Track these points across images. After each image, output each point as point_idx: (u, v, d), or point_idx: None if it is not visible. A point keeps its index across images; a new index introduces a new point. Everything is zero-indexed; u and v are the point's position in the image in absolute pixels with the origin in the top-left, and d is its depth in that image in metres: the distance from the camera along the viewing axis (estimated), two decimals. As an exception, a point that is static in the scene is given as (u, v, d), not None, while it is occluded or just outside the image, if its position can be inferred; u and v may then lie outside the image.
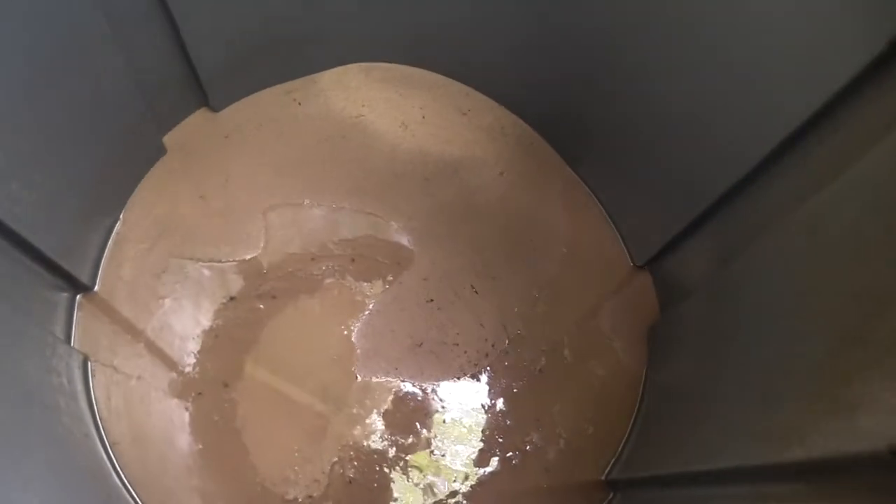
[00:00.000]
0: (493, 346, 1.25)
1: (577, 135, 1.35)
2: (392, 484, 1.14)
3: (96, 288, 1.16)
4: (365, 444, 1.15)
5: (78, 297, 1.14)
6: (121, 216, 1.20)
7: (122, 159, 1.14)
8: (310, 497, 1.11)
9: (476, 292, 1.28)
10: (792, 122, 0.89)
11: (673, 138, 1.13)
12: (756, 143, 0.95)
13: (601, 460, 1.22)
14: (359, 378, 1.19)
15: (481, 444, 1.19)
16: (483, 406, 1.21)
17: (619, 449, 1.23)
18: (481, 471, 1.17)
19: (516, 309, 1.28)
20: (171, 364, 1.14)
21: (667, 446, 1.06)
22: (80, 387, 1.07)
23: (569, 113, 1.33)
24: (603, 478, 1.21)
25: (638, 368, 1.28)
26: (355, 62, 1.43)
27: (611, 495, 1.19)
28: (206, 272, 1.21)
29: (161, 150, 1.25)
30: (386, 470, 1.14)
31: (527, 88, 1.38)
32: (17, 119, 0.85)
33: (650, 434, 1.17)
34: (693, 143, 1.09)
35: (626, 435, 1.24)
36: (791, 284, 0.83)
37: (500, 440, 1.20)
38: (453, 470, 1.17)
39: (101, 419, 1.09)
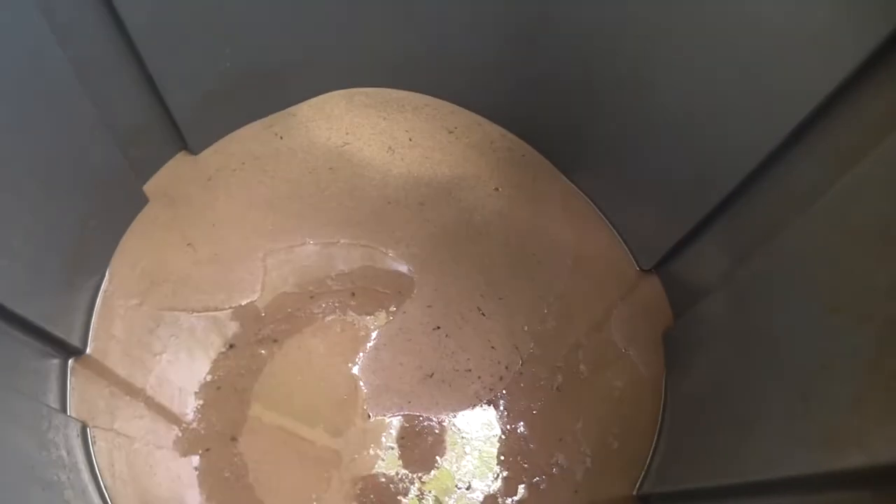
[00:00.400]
0: (506, 368, 1.20)
1: (571, 142, 1.32)
2: (417, 524, 1.09)
3: (88, 350, 1.10)
4: (384, 484, 1.10)
5: (70, 361, 1.08)
6: (107, 272, 1.15)
7: (103, 213, 1.09)
8: (333, 547, 1.05)
9: (483, 314, 1.24)
10: (800, 111, 0.86)
11: (672, 138, 1.09)
12: (763, 136, 0.93)
13: (630, 475, 1.17)
14: (371, 416, 1.14)
15: (506, 472, 1.14)
16: (503, 431, 1.17)
17: (648, 462, 1.18)
18: (509, 500, 1.12)
19: (526, 327, 1.24)
20: (174, 420, 1.09)
21: (700, 457, 1.01)
22: (80, 457, 1.02)
23: (560, 121, 1.30)
24: (634, 493, 1.16)
25: (657, 376, 1.24)
26: (336, 89, 1.40)
27: (643, 511, 1.15)
28: (202, 322, 1.15)
29: (143, 200, 1.21)
30: (410, 510, 1.09)
31: (514, 101, 1.35)
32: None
33: (679, 445, 1.12)
34: (695, 141, 1.05)
35: (653, 447, 1.20)
36: (822, 278, 0.79)
37: (525, 465, 1.15)
38: (480, 502, 1.11)
39: (106, 488, 1.03)
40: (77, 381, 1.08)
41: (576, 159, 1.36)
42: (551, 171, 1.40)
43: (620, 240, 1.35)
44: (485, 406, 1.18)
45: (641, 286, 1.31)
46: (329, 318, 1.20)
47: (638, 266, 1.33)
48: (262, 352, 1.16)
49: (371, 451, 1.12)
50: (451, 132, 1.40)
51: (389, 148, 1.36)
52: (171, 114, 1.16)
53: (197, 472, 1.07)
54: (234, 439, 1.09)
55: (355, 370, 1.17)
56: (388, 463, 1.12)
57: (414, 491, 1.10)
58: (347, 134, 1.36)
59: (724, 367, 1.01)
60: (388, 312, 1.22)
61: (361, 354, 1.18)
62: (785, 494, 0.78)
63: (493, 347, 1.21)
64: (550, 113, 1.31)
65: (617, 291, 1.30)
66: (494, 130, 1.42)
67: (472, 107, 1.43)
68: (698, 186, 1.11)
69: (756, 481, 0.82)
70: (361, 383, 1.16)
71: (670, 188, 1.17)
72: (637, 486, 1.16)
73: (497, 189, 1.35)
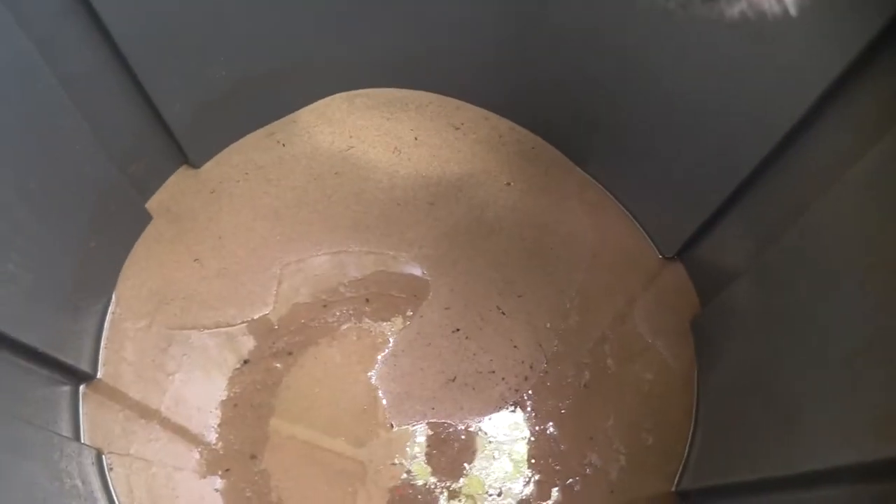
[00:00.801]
0: (531, 367, 1.16)
1: (583, 132, 1.28)
2: (449, 535, 1.05)
3: (99, 374, 1.07)
4: (412, 495, 1.06)
5: (81, 387, 1.05)
6: (113, 294, 1.12)
7: (105, 233, 1.06)
8: (363, 564, 1.02)
9: (503, 313, 1.19)
10: (821, 83, 0.82)
11: (687, 122, 1.05)
12: (782, 112, 0.89)
13: (668, 471, 1.13)
14: (394, 426, 1.10)
15: (537, 475, 1.10)
16: (532, 433, 1.12)
17: (685, 456, 1.14)
18: (542, 504, 1.08)
19: (548, 324, 1.20)
20: (192, 441, 1.06)
21: (740, 449, 0.96)
22: (96, 485, 0.98)
23: (570, 111, 1.26)
24: (673, 489, 1.11)
25: (688, 366, 1.19)
26: (336, 92, 1.36)
27: (684, 507, 1.10)
28: (214, 339, 1.12)
29: (146, 217, 1.18)
30: (440, 521, 1.05)
31: (521, 93, 1.31)
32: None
33: (717, 437, 1.07)
34: (710, 123, 1.01)
35: (689, 440, 1.15)
36: (857, 252, 0.74)
37: (557, 467, 1.10)
38: (512, 509, 1.07)
39: (125, 516, 1.00)
40: (89, 407, 1.05)
41: (589, 149, 1.32)
42: (564, 162, 1.35)
43: (640, 228, 1.30)
44: (511, 408, 1.13)
45: (665, 274, 1.27)
46: (344, 327, 1.16)
47: (660, 254, 1.28)
48: (278, 365, 1.12)
49: (396, 462, 1.08)
50: (457, 128, 1.36)
51: (395, 148, 1.32)
52: (169, 127, 1.13)
53: (219, 493, 1.03)
54: (253, 457, 1.06)
55: (374, 379, 1.13)
56: (414, 473, 1.08)
57: (443, 500, 1.06)
58: (351, 137, 1.32)
59: (760, 354, 0.96)
60: (404, 317, 1.18)
61: (380, 362, 1.14)
62: (834, 485, 0.73)
63: (515, 347, 1.17)
64: (560, 103, 1.27)
65: (640, 281, 1.26)
66: (502, 124, 1.38)
67: (479, 101, 1.39)
68: (717, 168, 1.06)
69: (802, 472, 0.78)
70: (381, 392, 1.12)
71: (688, 173, 1.12)
72: (675, 481, 1.12)
73: (509, 184, 1.31)
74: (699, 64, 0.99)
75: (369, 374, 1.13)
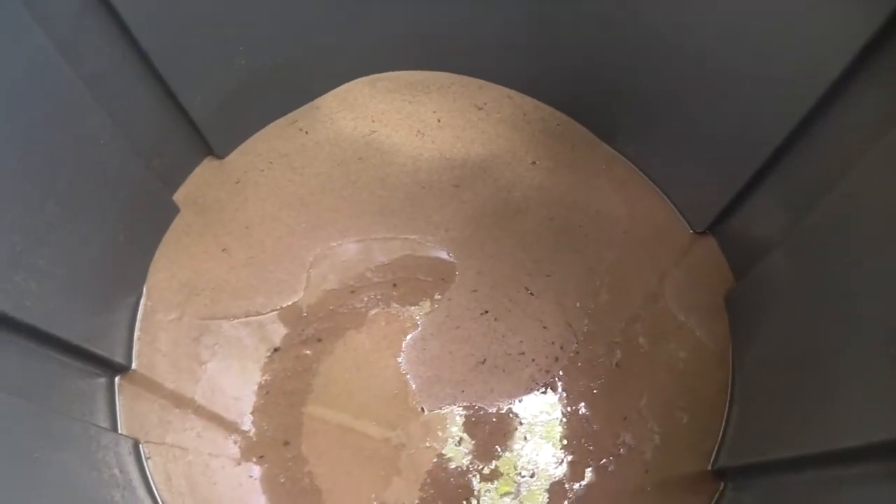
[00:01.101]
0: (561, 348, 1.15)
1: (608, 107, 1.25)
2: (483, 517, 1.05)
3: (134, 366, 1.09)
4: (445, 478, 1.06)
5: (116, 379, 1.07)
6: (144, 287, 1.14)
7: (134, 227, 1.07)
8: (398, 547, 1.02)
9: (532, 294, 1.18)
10: (855, 46, 0.78)
11: (715, 92, 1.02)
12: (815, 77, 0.85)
13: (703, 450, 1.11)
14: (425, 410, 1.10)
15: (571, 456, 1.09)
16: (564, 414, 1.11)
17: (721, 434, 1.12)
18: (577, 485, 1.07)
19: (578, 303, 1.18)
20: (227, 428, 1.07)
21: (778, 426, 0.94)
22: (135, 474, 1.00)
23: (594, 87, 1.23)
24: (709, 467, 1.10)
25: (722, 343, 1.17)
26: (357, 77, 1.35)
27: (721, 486, 1.08)
28: (245, 328, 1.13)
29: (174, 210, 1.19)
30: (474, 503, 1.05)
31: (544, 70, 1.29)
32: (4, 206, 0.78)
33: (754, 414, 1.05)
34: (739, 93, 0.98)
35: (725, 417, 1.13)
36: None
37: (591, 448, 1.09)
38: (547, 490, 1.07)
39: (163, 503, 1.02)
40: (125, 398, 1.07)
41: (616, 124, 1.29)
42: (590, 138, 1.33)
43: (670, 203, 1.27)
44: (542, 389, 1.12)
45: (697, 249, 1.24)
46: (373, 312, 1.16)
47: (691, 229, 1.25)
48: (308, 352, 1.13)
49: (428, 445, 1.08)
50: (480, 109, 1.34)
51: (418, 131, 1.31)
52: (192, 119, 1.14)
53: (255, 480, 1.05)
54: (287, 443, 1.07)
55: (404, 363, 1.13)
56: (447, 455, 1.08)
57: (476, 483, 1.06)
58: (373, 121, 1.31)
59: (797, 328, 0.94)
60: (432, 301, 1.17)
61: (409, 346, 1.14)
62: (872, 462, 0.71)
63: (545, 328, 1.16)
64: (585, 79, 1.25)
65: (672, 257, 1.23)
66: (526, 102, 1.36)
67: (502, 80, 1.37)
68: (748, 139, 1.03)
69: (842, 449, 0.76)
70: (411, 376, 1.12)
71: (718, 145, 1.09)
72: (711, 460, 1.10)
73: (534, 162, 1.29)
74: (727, 32, 0.96)
75: (399, 358, 1.13)
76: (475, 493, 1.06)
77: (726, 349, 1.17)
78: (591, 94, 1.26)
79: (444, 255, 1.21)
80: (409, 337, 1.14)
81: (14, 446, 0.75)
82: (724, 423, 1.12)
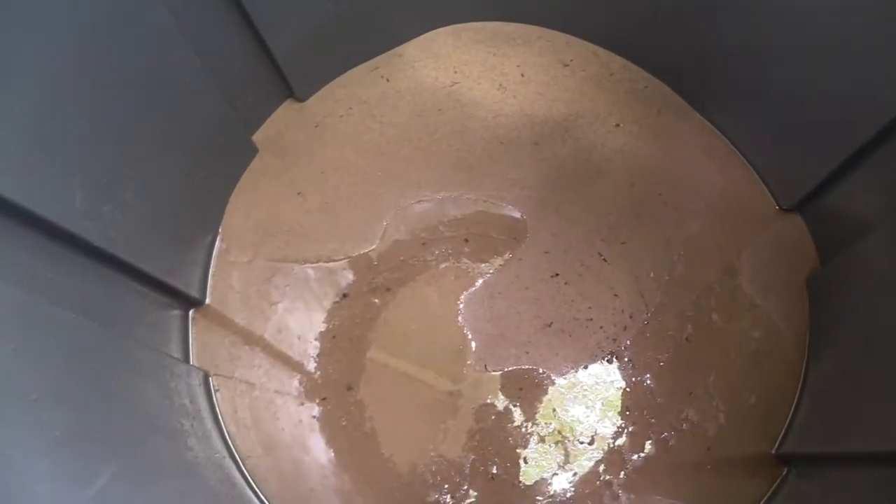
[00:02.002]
0: (630, 317, 1.13)
1: (701, 72, 1.20)
2: (538, 478, 1.05)
3: (207, 301, 1.12)
4: (502, 437, 1.07)
5: (191, 312, 1.10)
6: (221, 224, 1.16)
7: (213, 165, 1.08)
8: (453, 498, 1.03)
9: (605, 260, 1.16)
10: None
11: (819, 66, 0.96)
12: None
13: (769, 433, 1.08)
14: (487, 367, 1.10)
15: (632, 427, 1.07)
16: (628, 384, 1.10)
17: (789, 418, 1.09)
18: (635, 456, 1.06)
19: (652, 274, 1.15)
20: (293, 367, 1.10)
21: (853, 418, 0.91)
22: (203, 405, 1.04)
23: (688, 48, 1.18)
24: (773, 451, 1.07)
25: (800, 325, 1.13)
26: (442, 26, 1.32)
27: (784, 471, 1.05)
28: (316, 272, 1.14)
29: (252, 150, 1.20)
30: (531, 465, 1.05)
31: (635, 29, 1.24)
32: (95, 140, 0.80)
33: (827, 402, 1.01)
34: (846, 63, 0.92)
35: (795, 402, 1.09)
36: None
37: (652, 420, 1.08)
38: (604, 458, 1.06)
39: (229, 434, 1.06)
40: (198, 331, 1.10)
41: (707, 91, 1.23)
42: (678, 103, 1.28)
43: (757, 176, 1.22)
44: (608, 357, 1.11)
45: (781, 226, 1.19)
46: (443, 266, 1.16)
47: (777, 205, 1.20)
48: (376, 300, 1.13)
49: (489, 402, 1.08)
50: (566, 65, 1.30)
51: (500, 85, 1.28)
52: (276, 61, 1.13)
53: (316, 420, 1.07)
54: (350, 388, 1.09)
55: (470, 319, 1.12)
56: (505, 414, 1.08)
57: (533, 443, 1.06)
58: (456, 73, 1.29)
59: (884, 319, 0.89)
60: (503, 259, 1.16)
61: (476, 303, 1.13)
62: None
63: (616, 295, 1.14)
64: (678, 39, 1.19)
65: (754, 233, 1.18)
66: (614, 61, 1.31)
67: (590, 37, 1.33)
68: (851, 117, 0.97)
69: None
70: (476, 332, 1.11)
71: (818, 120, 1.04)
72: (777, 444, 1.07)
73: (618, 125, 1.25)
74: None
75: (465, 314, 1.13)
76: (531, 452, 1.06)
77: (803, 333, 1.12)
78: (684, 57, 1.20)
79: (518, 213, 1.19)
80: (477, 294, 1.14)
81: (96, 370, 0.78)
82: (793, 407, 1.09)
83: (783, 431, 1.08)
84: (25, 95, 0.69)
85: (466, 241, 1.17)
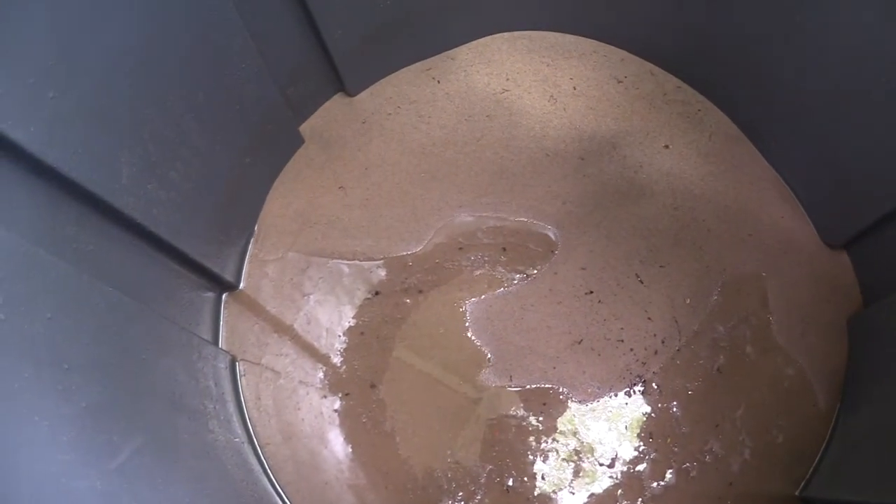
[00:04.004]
0: (662, 342, 1.11)
1: (758, 100, 1.17)
2: (553, 495, 1.04)
3: (242, 286, 1.13)
4: (522, 450, 1.06)
5: (224, 296, 1.11)
6: (261, 211, 1.17)
7: (260, 151, 1.09)
8: (465, 508, 1.03)
9: (642, 282, 1.14)
10: None
11: (888, 107, 0.93)
12: None
13: (794, 474, 1.06)
14: (513, 378, 1.09)
15: (654, 454, 1.06)
16: (654, 410, 1.08)
17: (817, 461, 1.06)
18: (654, 483, 1.04)
19: (689, 300, 1.13)
20: (319, 360, 1.10)
21: (885, 470, 0.88)
22: (228, 388, 1.05)
23: (748, 76, 1.15)
24: (797, 493, 1.05)
25: (836, 366, 1.10)
26: (498, 32, 1.32)
27: (807, 514, 1.03)
28: (349, 267, 1.15)
29: (298, 140, 1.20)
30: (548, 481, 1.04)
31: (694, 51, 1.22)
32: (148, 117, 0.80)
33: (859, 449, 0.98)
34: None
35: (824, 446, 1.07)
36: None
37: (675, 449, 1.06)
38: (622, 482, 1.04)
39: (250, 420, 1.06)
40: (229, 315, 1.11)
41: (762, 121, 1.21)
42: (731, 130, 1.25)
43: (805, 212, 1.19)
44: (635, 380, 1.09)
45: (826, 264, 1.16)
46: (477, 273, 1.15)
47: (824, 242, 1.17)
48: (408, 301, 1.13)
49: (511, 413, 1.07)
50: (619, 82, 1.29)
51: (551, 97, 1.27)
52: (330, 53, 1.14)
53: (337, 414, 1.07)
54: (373, 386, 1.09)
55: (501, 329, 1.12)
56: (526, 428, 1.07)
57: (552, 460, 1.05)
58: (507, 80, 1.28)
59: (928, 369, 0.87)
60: (539, 271, 1.15)
61: (508, 313, 1.12)
62: None
63: (649, 319, 1.12)
64: (737, 68, 1.17)
65: (797, 268, 1.16)
66: (669, 81, 1.29)
67: (647, 56, 1.31)
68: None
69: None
70: (505, 343, 1.11)
71: (875, 159, 1.00)
72: (801, 486, 1.05)
73: (667, 146, 1.24)
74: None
75: (495, 322, 1.12)
76: (549, 469, 1.05)
77: (840, 375, 1.10)
78: (743, 85, 1.18)
79: (558, 227, 1.18)
80: (509, 304, 1.13)
81: (127, 345, 0.79)
82: (821, 451, 1.07)
83: (809, 474, 1.05)
84: (92, 71, 0.70)
85: (504, 249, 1.16)
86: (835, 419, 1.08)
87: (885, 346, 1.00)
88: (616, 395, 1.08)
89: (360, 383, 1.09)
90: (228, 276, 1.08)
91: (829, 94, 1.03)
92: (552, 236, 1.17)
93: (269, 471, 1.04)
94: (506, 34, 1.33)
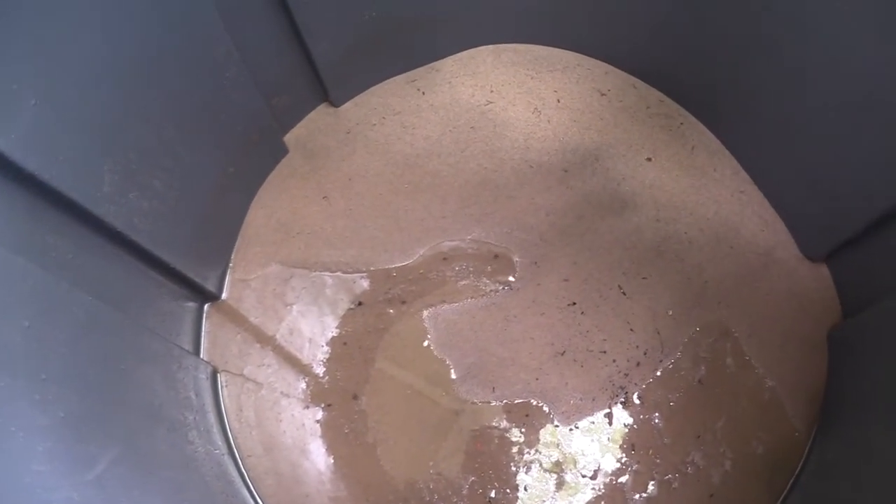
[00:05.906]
0: (645, 353, 1.11)
1: (739, 113, 1.18)
2: (536, 508, 1.04)
3: (224, 296, 1.12)
4: (504, 462, 1.05)
5: (206, 306, 1.10)
6: (244, 220, 1.16)
7: (244, 161, 1.09)
8: (447, 520, 1.02)
9: (624, 294, 1.15)
10: None
11: (867, 117, 0.94)
12: None
13: (774, 486, 1.06)
14: (496, 389, 1.09)
15: (636, 465, 1.06)
16: (636, 422, 1.08)
17: (796, 473, 1.06)
18: (637, 495, 1.05)
19: (671, 312, 1.14)
20: (301, 371, 1.09)
21: (866, 484, 0.88)
22: (208, 399, 1.04)
23: (729, 89, 1.17)
24: (778, 505, 1.05)
25: (816, 379, 1.11)
26: (483, 45, 1.33)
27: (787, 526, 1.03)
28: (332, 278, 1.14)
29: (282, 150, 1.20)
30: (530, 493, 1.04)
31: (676, 65, 1.23)
32: (131, 125, 0.80)
33: (838, 462, 0.99)
34: (894, 119, 0.90)
35: (804, 457, 1.07)
36: None
37: (657, 461, 1.06)
38: (605, 493, 1.04)
39: (231, 431, 1.05)
40: (211, 326, 1.10)
41: (743, 134, 1.22)
42: (713, 144, 1.27)
43: (785, 226, 1.20)
44: (618, 392, 1.09)
45: (806, 277, 1.17)
46: (461, 283, 1.15)
47: (804, 254, 1.18)
48: (391, 311, 1.13)
49: (493, 424, 1.07)
50: (603, 94, 1.30)
51: (535, 109, 1.28)
52: (316, 65, 1.14)
53: (319, 425, 1.07)
54: (356, 397, 1.08)
55: (483, 339, 1.12)
56: (509, 440, 1.07)
57: (534, 471, 1.05)
58: (492, 92, 1.29)
59: (906, 381, 0.88)
60: (522, 283, 1.15)
61: (491, 324, 1.13)
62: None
63: (632, 330, 1.12)
64: (718, 81, 1.18)
65: (778, 281, 1.17)
66: (652, 95, 1.30)
67: (630, 69, 1.32)
68: (892, 177, 0.95)
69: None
70: (488, 354, 1.11)
71: (856, 174, 1.01)
72: (780, 499, 1.05)
73: (649, 159, 1.25)
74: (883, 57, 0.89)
75: (478, 334, 1.12)
76: (531, 480, 1.04)
77: (819, 387, 1.10)
78: (724, 98, 1.19)
79: (541, 238, 1.18)
80: (492, 315, 1.13)
81: (106, 355, 0.78)
82: (801, 462, 1.07)
83: (788, 487, 1.06)
84: (74, 79, 0.70)
85: (487, 260, 1.16)
86: (814, 432, 1.08)
87: (865, 359, 1.01)
88: (599, 407, 1.09)
89: (342, 394, 1.08)
90: (210, 287, 1.08)
91: (809, 109, 1.04)
92: (536, 247, 1.17)
93: (249, 483, 1.03)
94: (491, 47, 1.34)
